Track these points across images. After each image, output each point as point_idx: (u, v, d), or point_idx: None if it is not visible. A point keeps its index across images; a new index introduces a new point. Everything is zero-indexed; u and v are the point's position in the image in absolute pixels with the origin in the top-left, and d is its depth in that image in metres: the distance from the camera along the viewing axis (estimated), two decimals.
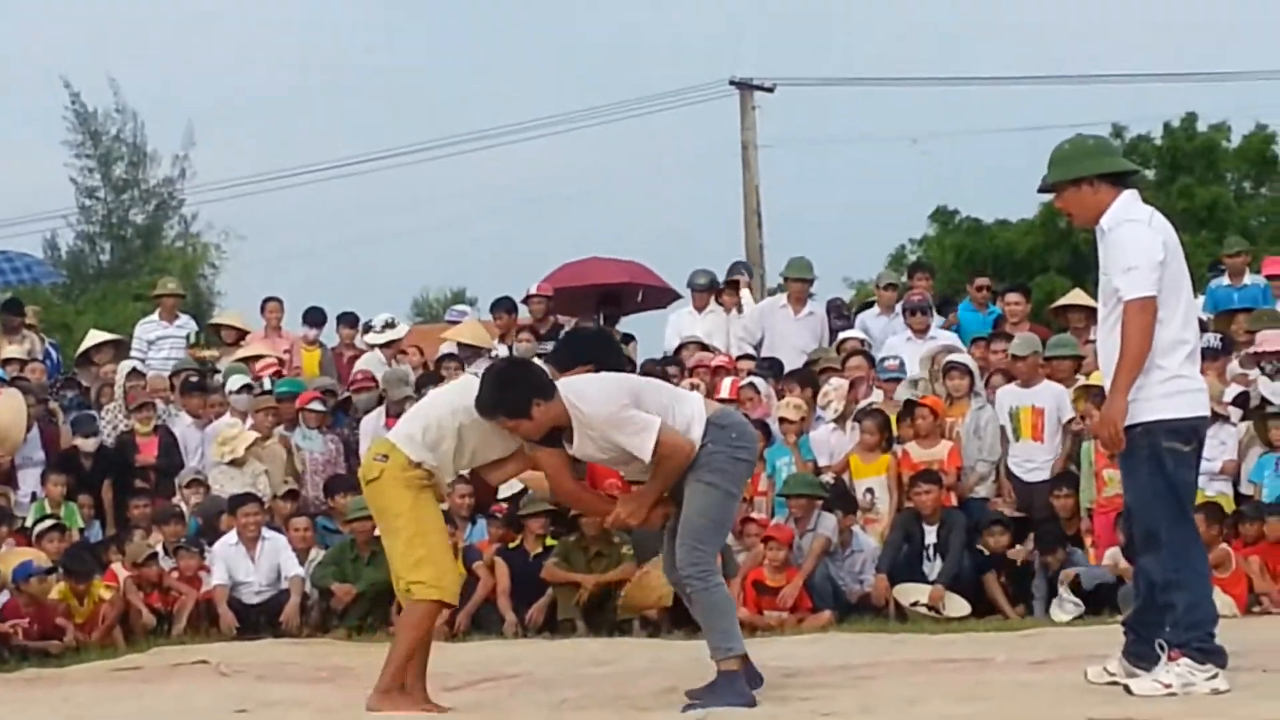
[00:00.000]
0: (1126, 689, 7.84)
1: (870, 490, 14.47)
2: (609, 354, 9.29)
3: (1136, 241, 7.86)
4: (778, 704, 8.30)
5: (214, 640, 13.47)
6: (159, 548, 14.68)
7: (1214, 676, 7.78)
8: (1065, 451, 14.44)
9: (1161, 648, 7.84)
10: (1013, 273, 34.09)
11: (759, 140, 33.24)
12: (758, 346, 17.36)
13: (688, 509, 8.47)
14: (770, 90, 33.79)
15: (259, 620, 14.14)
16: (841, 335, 16.98)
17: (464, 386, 8.76)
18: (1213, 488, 13.65)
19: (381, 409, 16.11)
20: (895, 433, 14.66)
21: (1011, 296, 17.06)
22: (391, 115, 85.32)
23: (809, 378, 15.69)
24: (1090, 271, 34.90)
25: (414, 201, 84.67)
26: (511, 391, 8.38)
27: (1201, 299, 17.32)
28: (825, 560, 13.61)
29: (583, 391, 8.49)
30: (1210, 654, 7.84)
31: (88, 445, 16.07)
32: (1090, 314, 16.43)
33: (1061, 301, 17.30)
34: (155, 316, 19.10)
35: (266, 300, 19.02)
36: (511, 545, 14.14)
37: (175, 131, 55.25)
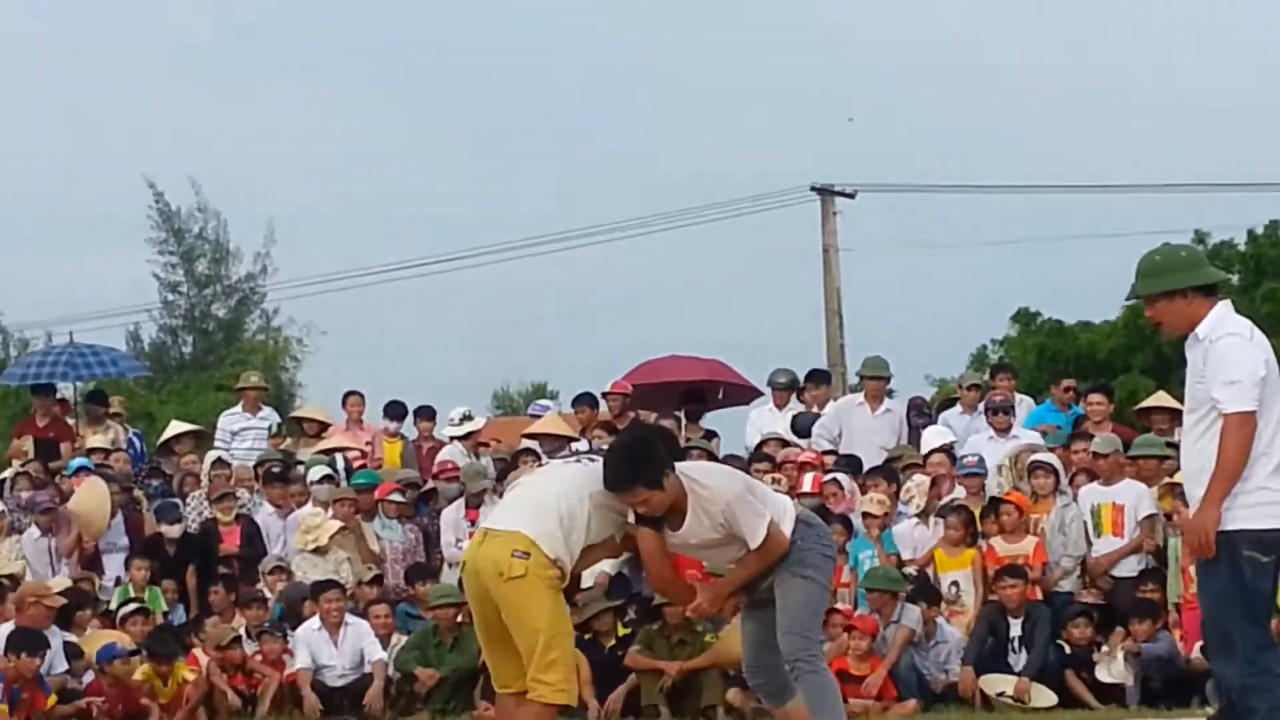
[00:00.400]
0: None
1: (955, 583, 14.43)
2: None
3: (1241, 356, 7.81)
4: None
5: None
6: (242, 631, 14.74)
7: None
8: (1136, 544, 14.39)
9: None
10: (1095, 373, 33.97)
11: (840, 244, 33.38)
12: (835, 444, 17.32)
13: (790, 600, 8.49)
14: (851, 196, 33.92)
15: (342, 703, 14.21)
16: (927, 435, 16.87)
17: (588, 473, 8.49)
18: None
19: (461, 500, 16.17)
20: (980, 528, 14.63)
21: (1094, 397, 17.01)
22: (475, 216, 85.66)
23: (891, 474, 15.69)
24: (1173, 372, 34.77)
25: (495, 300, 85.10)
26: (647, 461, 8.31)
27: None
28: (910, 651, 13.58)
29: (707, 471, 8.62)
30: None
31: (172, 532, 16.24)
32: (1173, 415, 16.38)
33: (1146, 403, 17.29)
34: (239, 408, 19.35)
35: (348, 394, 19.14)
36: (587, 637, 14.12)
37: (257, 230, 55.67)
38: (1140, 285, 8.08)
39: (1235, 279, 37.85)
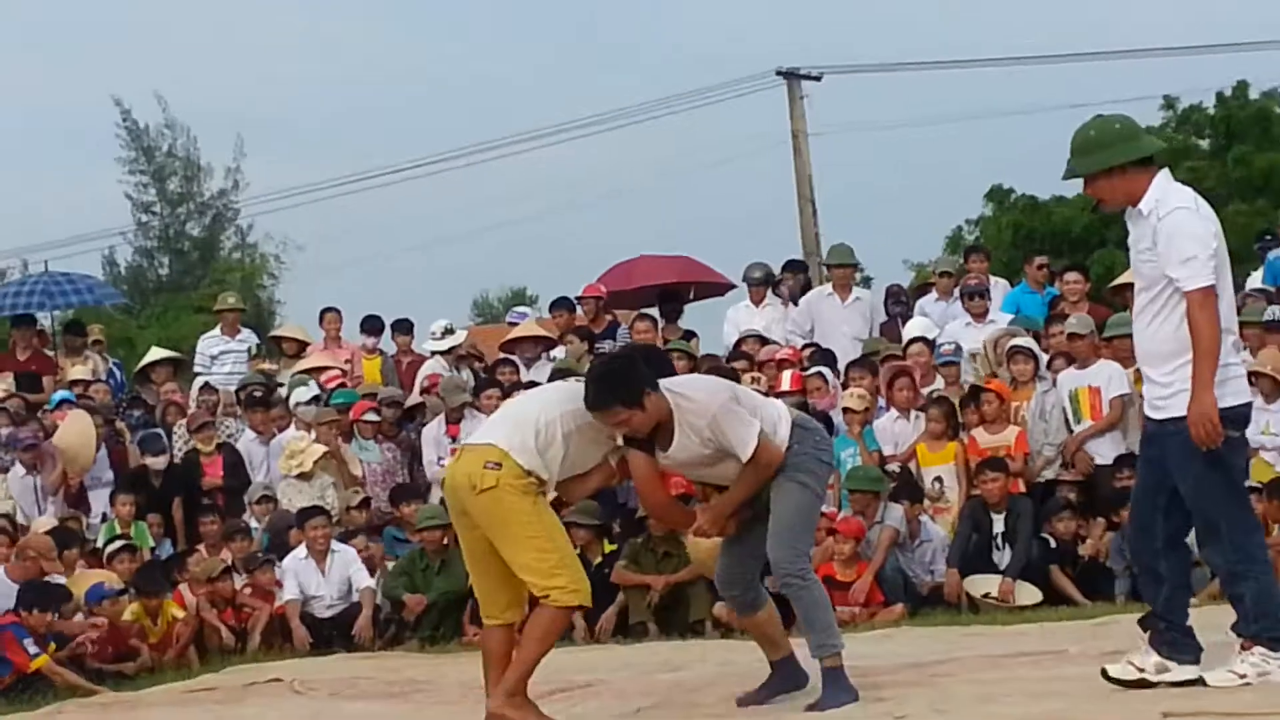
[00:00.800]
0: (1202, 681, 7.78)
1: (939, 479, 14.43)
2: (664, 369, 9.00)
3: (1192, 229, 7.73)
4: (853, 705, 8.27)
5: (288, 656, 13.51)
6: (230, 564, 14.70)
7: None
8: (1108, 423, 14.35)
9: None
10: (1070, 249, 33.93)
11: (809, 129, 33.23)
12: (808, 339, 17.26)
13: (782, 508, 8.48)
14: (818, 79, 33.74)
15: (332, 634, 14.16)
16: (909, 326, 16.81)
17: (570, 390, 8.57)
18: None
19: (442, 417, 16.12)
20: (961, 419, 14.61)
21: (1070, 276, 16.93)
22: (444, 119, 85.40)
23: (871, 367, 15.60)
24: None
25: (470, 204, 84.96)
26: (625, 381, 8.32)
27: (1260, 271, 17.22)
28: (895, 552, 13.58)
29: (690, 384, 8.62)
30: None
31: (157, 464, 16.15)
32: None
33: (1120, 280, 17.14)
34: (217, 331, 19.28)
35: (324, 311, 19.08)
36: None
37: (226, 144, 55.31)
38: (1076, 163, 8.02)
39: (1206, 143, 37.79)
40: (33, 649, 12.46)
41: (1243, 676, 7.69)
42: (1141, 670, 7.91)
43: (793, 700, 8.69)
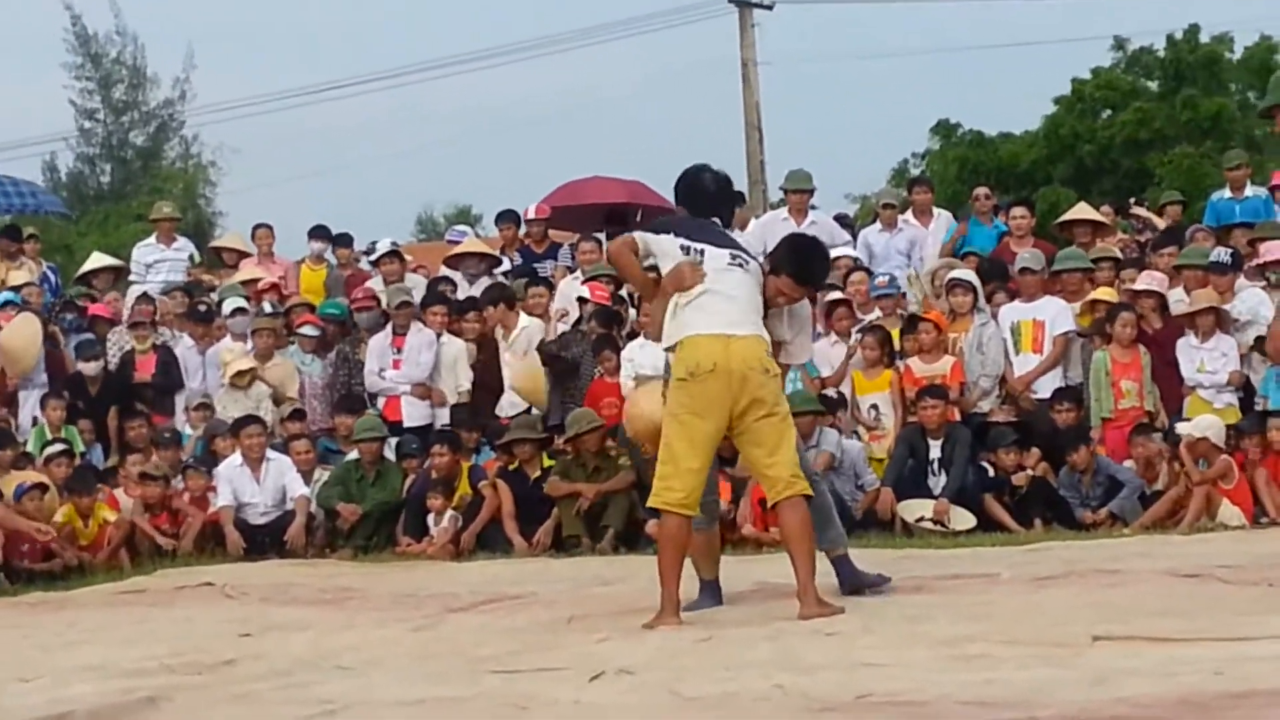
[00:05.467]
0: None
1: (875, 406, 14.46)
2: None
3: None
4: (781, 623, 8.27)
5: (220, 561, 13.50)
6: (165, 470, 14.63)
7: None
8: (1052, 361, 14.40)
9: None
10: (1016, 185, 33.95)
11: (759, 58, 33.19)
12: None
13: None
14: (769, 8, 33.72)
15: (265, 541, 14.16)
16: (835, 253, 16.84)
17: (756, 277, 8.88)
18: (1220, 400, 13.67)
19: (388, 329, 16.03)
20: (898, 348, 14.63)
21: (1017, 211, 16.89)
22: (392, 35, 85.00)
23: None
24: (1094, 183, 34.82)
25: (416, 121, 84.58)
26: None
27: (1203, 212, 17.29)
28: (829, 476, 13.57)
29: None
30: None
31: (90, 369, 16.04)
32: (1094, 228, 16.40)
33: (1067, 216, 17.19)
34: (153, 239, 19.12)
35: (256, 227, 18.98)
36: (511, 468, 14.15)
37: (175, 54, 54.95)
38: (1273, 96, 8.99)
39: (1155, 85, 37.79)
40: None
41: None
42: None
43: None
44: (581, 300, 15.63)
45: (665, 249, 8.78)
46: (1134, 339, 13.92)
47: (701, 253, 8.69)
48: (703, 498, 8.77)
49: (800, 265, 9.02)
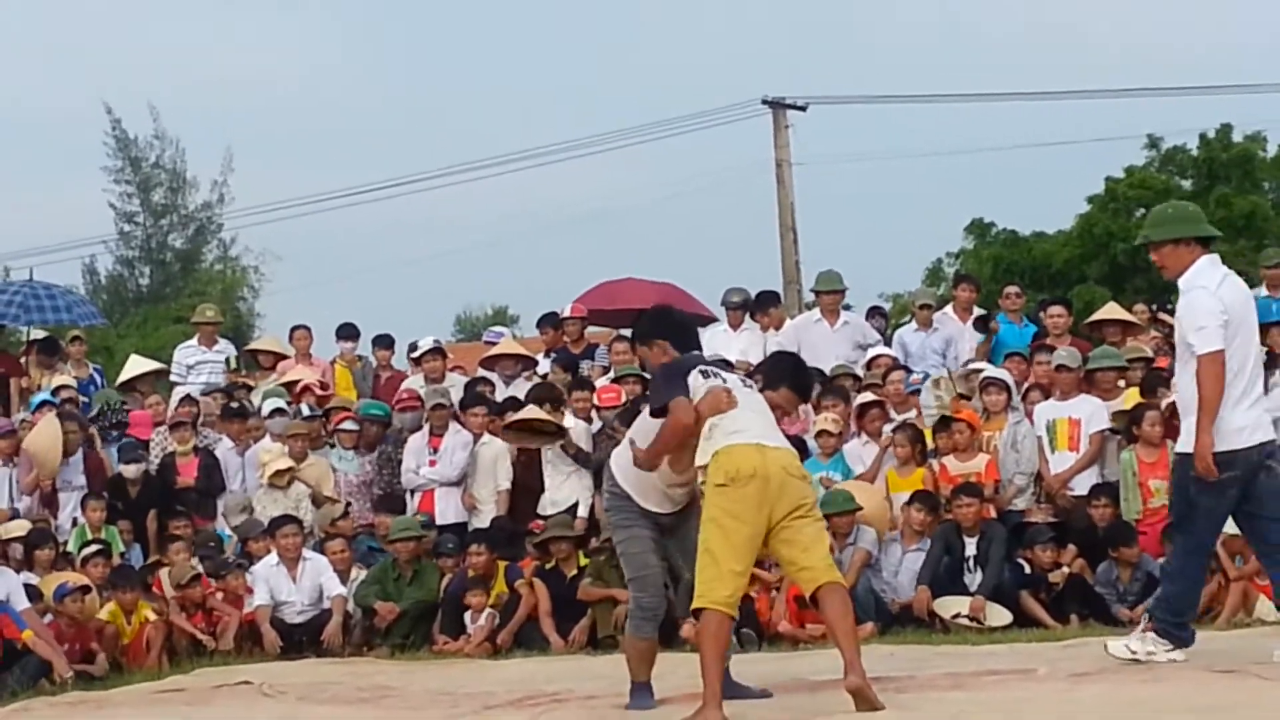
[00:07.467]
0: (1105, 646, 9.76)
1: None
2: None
3: (1204, 305, 9.36)
4: (819, 718, 8.30)
5: (258, 660, 13.54)
6: (201, 569, 14.70)
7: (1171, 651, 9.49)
8: (1089, 459, 14.43)
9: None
10: (1050, 284, 34.02)
11: (793, 158, 33.37)
12: None
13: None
14: (803, 109, 33.88)
15: (302, 640, 14.21)
16: (872, 353, 16.93)
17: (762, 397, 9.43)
18: None
19: (426, 429, 16.11)
20: (931, 446, 14.66)
21: (1054, 309, 16.89)
22: (434, 137, 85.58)
23: (843, 393, 15.62)
24: (1128, 281, 34.73)
25: (454, 223, 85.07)
26: None
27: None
28: (866, 573, 13.61)
29: None
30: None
31: (131, 472, 16.14)
32: (1124, 327, 16.48)
33: (1098, 316, 17.25)
34: (194, 342, 19.27)
35: (294, 329, 19.12)
36: (548, 566, 14.17)
37: (214, 158, 55.27)
38: (1152, 231, 9.71)
39: (1188, 184, 37.87)
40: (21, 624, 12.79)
41: (1134, 652, 9.55)
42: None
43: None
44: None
45: (694, 386, 9.13)
46: (1163, 437, 13.88)
47: (724, 380, 9.14)
48: (655, 609, 9.38)
49: (798, 380, 9.99)
